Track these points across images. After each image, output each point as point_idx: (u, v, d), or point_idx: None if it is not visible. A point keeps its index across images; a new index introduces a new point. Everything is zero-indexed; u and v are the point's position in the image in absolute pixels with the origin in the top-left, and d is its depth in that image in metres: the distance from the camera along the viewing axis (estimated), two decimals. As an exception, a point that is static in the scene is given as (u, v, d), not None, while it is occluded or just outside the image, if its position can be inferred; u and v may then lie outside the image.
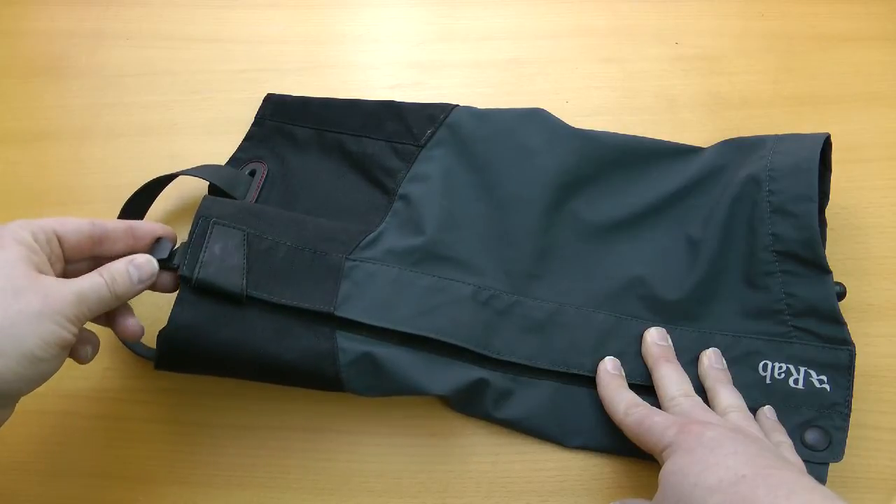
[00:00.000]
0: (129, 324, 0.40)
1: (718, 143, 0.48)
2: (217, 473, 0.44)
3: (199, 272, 0.40)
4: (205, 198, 0.43)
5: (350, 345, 0.42)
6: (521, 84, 0.51)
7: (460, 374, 0.43)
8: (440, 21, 0.54)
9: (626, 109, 0.51)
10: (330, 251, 0.43)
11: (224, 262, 0.41)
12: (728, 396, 0.41)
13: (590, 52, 0.53)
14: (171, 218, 0.49)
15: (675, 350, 0.44)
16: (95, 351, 0.39)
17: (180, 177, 0.46)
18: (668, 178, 0.47)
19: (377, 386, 0.42)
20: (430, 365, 0.43)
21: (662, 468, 0.36)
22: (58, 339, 0.33)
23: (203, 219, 0.42)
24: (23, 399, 0.46)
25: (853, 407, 0.42)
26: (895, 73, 0.51)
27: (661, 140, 0.48)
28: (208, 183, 0.47)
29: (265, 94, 0.51)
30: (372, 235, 0.45)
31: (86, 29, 0.54)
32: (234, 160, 0.50)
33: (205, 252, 0.41)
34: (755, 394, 0.43)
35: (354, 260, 0.43)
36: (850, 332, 0.42)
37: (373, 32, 0.54)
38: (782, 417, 0.42)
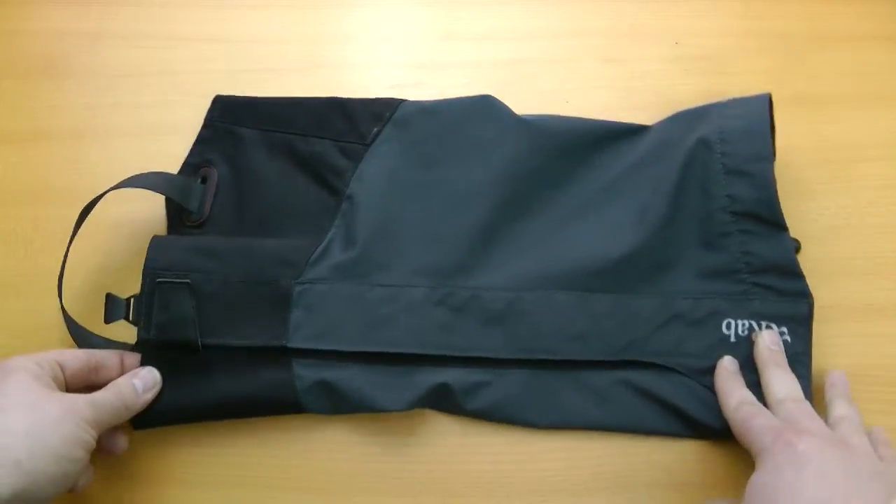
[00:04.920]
0: (119, 441, 0.42)
1: (666, 118, 0.48)
2: (217, 473, 0.44)
3: (153, 332, 0.42)
4: (152, 241, 0.44)
5: (306, 372, 0.43)
6: (521, 84, 0.51)
7: (422, 382, 0.43)
8: (440, 21, 0.54)
9: (626, 109, 0.51)
10: (279, 276, 0.44)
11: (175, 317, 0.43)
12: (782, 384, 0.41)
13: (590, 52, 0.53)
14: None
15: (641, 320, 0.44)
16: (89, 480, 0.41)
17: (136, 186, 0.46)
18: (620, 158, 0.48)
19: (338, 407, 0.44)
20: (389, 381, 0.43)
21: (752, 476, 0.36)
22: (79, 440, 0.36)
23: (149, 276, 0.43)
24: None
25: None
26: (895, 73, 0.51)
27: (610, 121, 0.49)
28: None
29: (214, 96, 0.51)
30: (321, 248, 0.45)
31: (85, 29, 0.54)
32: (186, 166, 0.49)
33: (155, 312, 0.43)
34: (722, 353, 0.44)
35: (303, 283, 0.44)
36: (808, 284, 0.44)
37: (373, 32, 0.54)
38: (747, 373, 0.43)
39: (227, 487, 0.44)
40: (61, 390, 0.39)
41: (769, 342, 0.43)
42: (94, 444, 0.37)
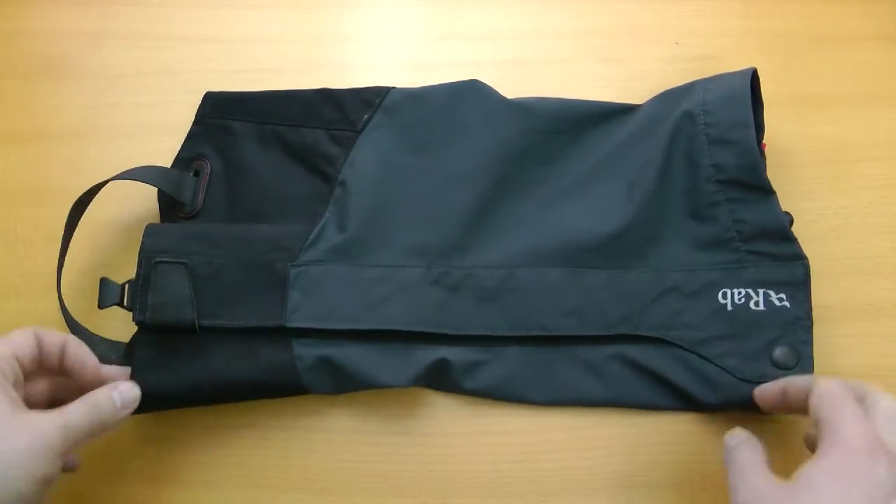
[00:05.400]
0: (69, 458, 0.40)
1: (653, 97, 0.49)
2: (217, 473, 0.44)
3: (148, 315, 0.42)
4: (147, 228, 0.44)
5: (306, 351, 0.43)
6: (521, 84, 0.51)
7: (421, 359, 0.44)
8: (440, 21, 0.54)
9: (626, 109, 0.51)
10: (275, 261, 0.44)
11: (172, 298, 0.42)
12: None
13: (590, 52, 0.53)
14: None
15: (636, 294, 0.44)
16: (76, 464, 0.41)
17: (130, 178, 0.46)
18: (609, 137, 0.48)
19: (340, 385, 0.44)
20: (388, 357, 0.43)
21: (810, 466, 0.32)
22: (45, 476, 0.33)
23: (146, 258, 0.43)
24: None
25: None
26: (895, 73, 0.51)
27: (599, 101, 0.49)
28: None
29: (205, 93, 0.51)
30: (315, 232, 0.45)
31: (86, 29, 0.54)
32: (179, 161, 0.49)
33: (151, 293, 0.42)
34: (718, 323, 0.44)
35: (299, 265, 0.44)
36: (802, 248, 0.44)
37: (373, 32, 0.54)
38: (747, 342, 0.43)
39: (227, 487, 0.44)
40: (20, 389, 0.36)
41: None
42: (57, 474, 0.34)
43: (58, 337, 0.39)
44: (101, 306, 0.43)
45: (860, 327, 0.46)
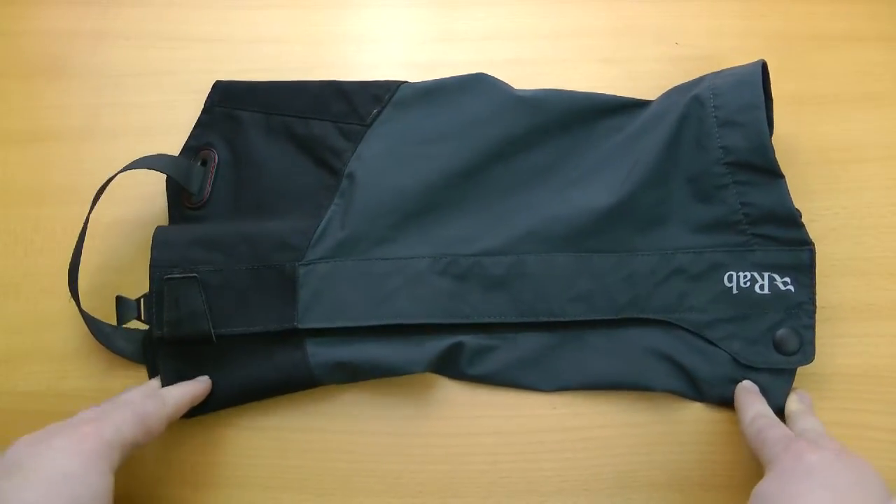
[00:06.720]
0: None
1: (665, 92, 0.49)
2: (217, 473, 0.44)
3: (166, 331, 0.43)
4: (155, 235, 0.45)
5: (319, 349, 0.44)
6: (521, 84, 0.51)
7: (434, 347, 0.44)
8: (440, 21, 0.54)
9: (626, 109, 0.51)
10: (284, 261, 0.44)
11: (186, 312, 0.43)
12: (810, 421, 0.41)
13: (590, 52, 0.53)
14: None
15: (643, 276, 0.44)
16: None
17: (140, 167, 0.46)
18: (619, 130, 0.48)
19: (355, 377, 0.44)
20: (402, 348, 0.44)
21: (758, 484, 0.35)
22: None
23: (157, 274, 0.44)
24: (23, 399, 0.46)
25: (853, 407, 0.43)
26: (895, 73, 0.51)
27: (609, 95, 0.49)
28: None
29: (214, 81, 0.51)
30: (321, 226, 0.45)
31: (86, 29, 0.54)
32: (187, 149, 0.50)
33: (165, 309, 0.43)
34: (723, 306, 0.44)
35: (307, 264, 0.44)
36: (808, 232, 0.44)
37: (373, 32, 0.54)
38: (751, 325, 0.43)
39: (228, 487, 0.44)
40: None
41: (797, 400, 0.43)
42: None
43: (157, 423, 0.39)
44: (119, 324, 0.44)
45: (860, 327, 0.46)
